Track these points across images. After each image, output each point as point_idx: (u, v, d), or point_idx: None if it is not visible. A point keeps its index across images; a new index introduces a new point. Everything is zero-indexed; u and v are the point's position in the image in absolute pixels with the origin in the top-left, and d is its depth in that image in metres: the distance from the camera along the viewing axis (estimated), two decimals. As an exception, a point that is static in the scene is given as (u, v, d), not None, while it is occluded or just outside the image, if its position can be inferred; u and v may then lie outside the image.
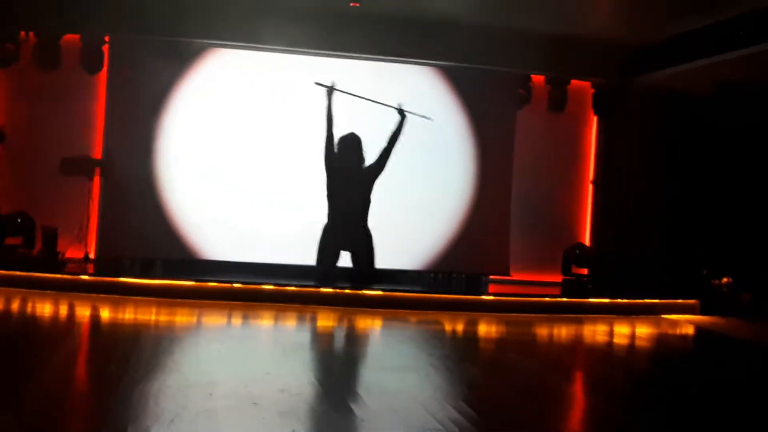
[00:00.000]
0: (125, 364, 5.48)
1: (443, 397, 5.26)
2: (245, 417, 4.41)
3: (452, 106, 10.87)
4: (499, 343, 8.16)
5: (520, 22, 10.06)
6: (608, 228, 11.30)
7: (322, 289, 9.03)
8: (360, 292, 9.10)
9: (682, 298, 10.21)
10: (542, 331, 8.67)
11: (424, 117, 9.12)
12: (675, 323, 9.59)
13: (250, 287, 8.99)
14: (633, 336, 8.77)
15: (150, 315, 7.63)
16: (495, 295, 9.88)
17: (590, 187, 11.63)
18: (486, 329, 8.66)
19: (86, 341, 6.86)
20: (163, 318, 7.60)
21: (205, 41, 10.14)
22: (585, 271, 10.96)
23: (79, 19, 9.76)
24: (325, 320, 8.27)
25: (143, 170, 10.07)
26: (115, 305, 8.12)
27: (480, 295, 9.91)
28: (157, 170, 10.19)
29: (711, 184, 10.68)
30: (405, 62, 10.59)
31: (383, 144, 8.89)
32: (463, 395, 5.38)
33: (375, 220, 9.24)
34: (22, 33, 9.99)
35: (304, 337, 7.55)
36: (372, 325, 8.25)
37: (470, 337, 8.34)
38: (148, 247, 10.06)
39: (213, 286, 8.93)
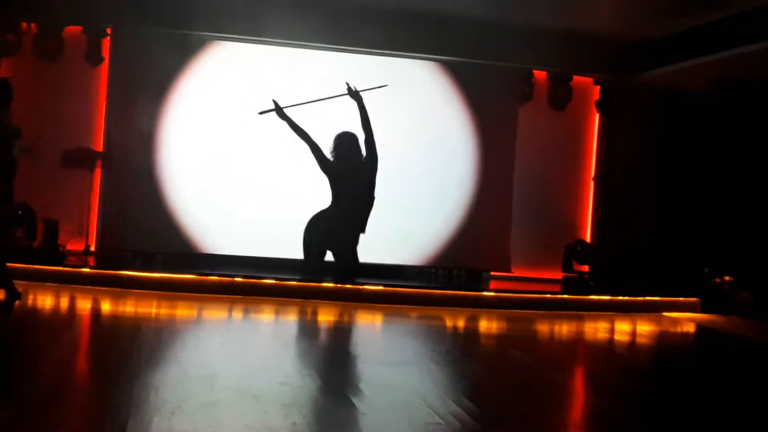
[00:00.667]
0: (126, 357, 5.47)
1: (444, 392, 5.25)
2: (246, 410, 4.40)
3: (454, 101, 10.86)
4: (500, 339, 8.16)
5: (522, 17, 10.06)
6: (609, 225, 11.30)
7: (323, 284, 9.03)
8: (361, 287, 9.10)
9: (683, 296, 10.21)
10: (543, 328, 8.66)
11: (378, 87, 9.07)
12: (676, 321, 9.59)
13: (251, 281, 8.99)
14: (634, 333, 8.76)
15: (151, 308, 7.62)
16: (496, 291, 9.87)
17: (592, 183, 11.63)
18: (487, 325, 8.65)
19: (87, 334, 6.85)
20: (164, 311, 7.59)
21: (208, 34, 10.13)
22: (586, 268, 10.96)
23: (81, 11, 9.76)
24: (326, 315, 8.27)
25: (145, 163, 10.06)
26: (116, 298, 8.12)
27: (481, 291, 9.90)
28: (159, 163, 10.18)
29: (712, 182, 10.67)
30: (407, 57, 10.57)
31: (362, 135, 8.91)
32: (464, 390, 5.37)
33: (377, 216, 9.27)
34: (24, 24, 9.98)
35: (305, 331, 7.54)
36: (373, 320, 8.24)
37: (471, 333, 8.34)
38: (149, 240, 10.06)
39: (214, 279, 8.93)
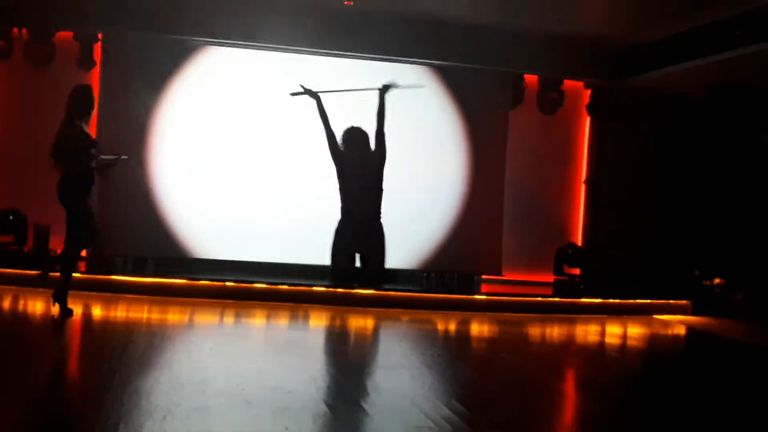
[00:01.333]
0: (117, 362, 5.47)
1: (436, 396, 5.26)
2: (238, 415, 4.41)
3: (445, 105, 10.88)
4: (492, 342, 8.17)
5: (513, 22, 10.10)
6: (600, 228, 11.33)
7: (315, 288, 9.03)
8: (353, 291, 9.11)
9: (674, 299, 10.26)
10: (534, 331, 8.69)
11: (415, 86, 9.03)
12: (667, 323, 9.63)
13: (242, 286, 8.99)
14: (625, 336, 8.79)
15: (142, 313, 7.62)
16: (487, 294, 9.90)
17: (583, 187, 11.66)
18: (478, 328, 8.67)
19: (78, 339, 6.84)
20: (156, 316, 7.59)
21: (199, 39, 10.12)
22: (577, 271, 10.99)
23: (72, 16, 9.74)
24: (318, 319, 8.28)
25: (136, 168, 10.04)
26: (108, 303, 8.11)
27: (472, 294, 9.93)
28: (150, 168, 10.17)
29: (703, 185, 10.72)
30: (398, 61, 10.58)
31: (374, 126, 8.82)
32: (455, 394, 5.39)
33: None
34: (15, 30, 9.96)
35: (297, 335, 7.55)
36: (364, 324, 8.25)
37: (462, 337, 8.36)
38: (141, 245, 10.04)
39: (205, 284, 8.93)
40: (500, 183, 11.01)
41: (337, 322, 8.15)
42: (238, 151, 10.26)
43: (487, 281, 10.96)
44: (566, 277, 10.91)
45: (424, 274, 10.99)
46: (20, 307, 7.59)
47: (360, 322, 8.29)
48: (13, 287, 8.40)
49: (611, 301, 9.99)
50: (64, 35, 10.06)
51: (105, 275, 8.92)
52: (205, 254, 10.20)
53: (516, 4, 9.51)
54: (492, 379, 6.09)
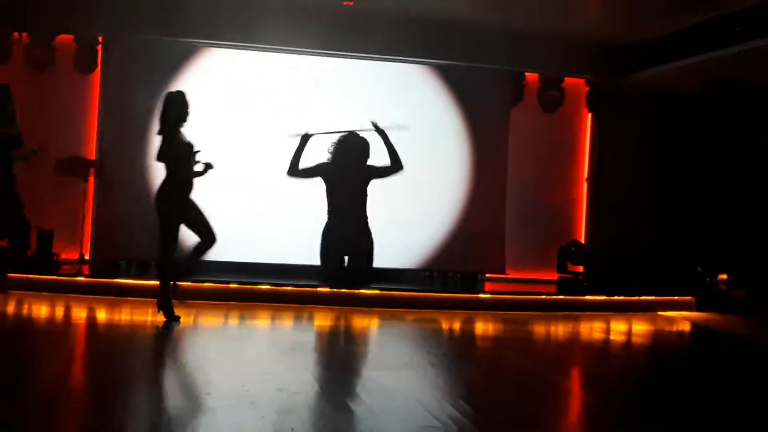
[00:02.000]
0: (122, 365, 5.46)
1: (441, 395, 5.26)
2: (243, 416, 4.40)
3: (446, 104, 10.88)
4: (496, 341, 8.16)
5: (513, 20, 10.09)
6: (603, 225, 11.32)
7: (319, 289, 9.04)
8: (356, 291, 9.11)
9: (678, 295, 10.24)
10: (539, 329, 8.68)
11: (399, 126, 9.14)
12: (671, 320, 9.61)
13: (246, 287, 8.98)
14: (629, 333, 8.78)
15: (146, 316, 7.61)
16: (491, 293, 9.89)
17: (585, 184, 11.65)
18: (483, 327, 8.66)
19: (83, 342, 6.84)
20: (160, 319, 7.56)
21: (199, 41, 10.13)
22: (580, 268, 10.98)
23: (73, 19, 9.75)
24: (322, 320, 8.27)
25: (138, 170, 10.04)
26: (111, 306, 8.11)
27: (476, 293, 9.92)
28: (152, 170, 10.14)
29: (705, 181, 10.70)
30: (399, 60, 10.59)
31: (387, 163, 9.07)
32: (461, 393, 5.38)
33: (371, 220, 9.27)
34: (15, 33, 9.96)
35: (302, 336, 7.54)
36: (369, 324, 8.24)
37: (467, 336, 8.35)
38: (144, 248, 10.00)
39: (209, 286, 8.92)
40: (502, 181, 11.01)
41: (342, 323, 8.14)
42: (241, 153, 10.25)
43: (490, 280, 10.96)
44: (570, 275, 10.89)
45: (428, 274, 10.99)
46: (24, 311, 7.58)
47: (364, 323, 8.28)
48: (17, 292, 8.40)
49: (615, 298, 9.99)
50: (65, 38, 10.06)
51: (109, 278, 8.91)
52: (209, 256, 10.17)
53: (516, 2, 9.51)
54: (498, 378, 6.08)
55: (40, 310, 7.77)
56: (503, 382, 5.92)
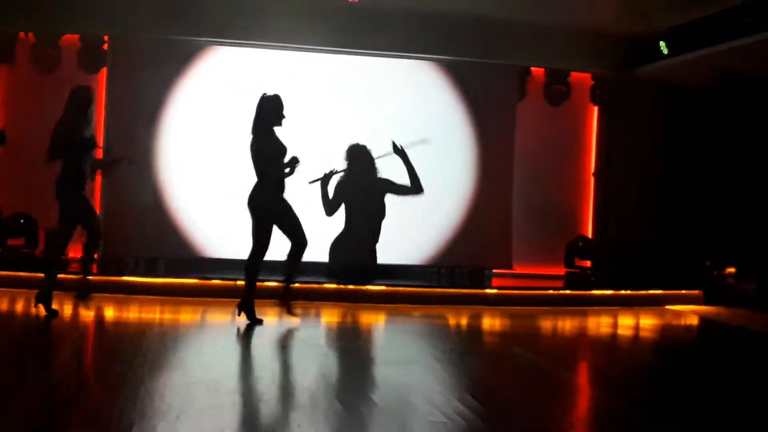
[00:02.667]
0: (131, 362, 5.48)
1: (448, 391, 5.27)
2: (251, 413, 4.42)
3: (452, 100, 10.87)
4: (503, 336, 8.16)
5: (519, 14, 10.08)
6: (611, 220, 11.30)
7: (326, 285, 9.05)
8: (363, 287, 9.12)
9: (686, 289, 10.22)
10: (546, 324, 8.67)
11: (421, 142, 9.19)
12: (679, 314, 9.60)
13: (253, 284, 8.98)
14: (637, 327, 8.77)
15: (154, 313, 7.64)
16: (498, 288, 9.88)
17: (592, 178, 11.63)
18: (490, 323, 8.66)
19: (91, 340, 6.87)
20: (168, 316, 7.60)
21: (205, 39, 10.14)
22: (588, 263, 10.97)
23: (79, 19, 9.76)
24: (330, 316, 8.28)
25: (145, 169, 10.06)
26: (120, 304, 8.14)
27: (483, 288, 9.92)
28: (159, 169, 10.19)
29: (713, 174, 10.66)
30: (405, 57, 10.58)
31: (406, 182, 9.34)
32: (468, 388, 5.38)
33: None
34: (21, 33, 9.99)
35: (309, 332, 7.55)
36: (376, 320, 8.25)
37: (474, 331, 8.35)
38: (152, 246, 10.07)
39: (217, 283, 8.94)
40: (509, 177, 10.99)
41: (349, 319, 8.15)
42: (248, 150, 10.23)
43: (497, 275, 10.95)
44: (577, 270, 10.88)
45: (435, 270, 10.98)
46: (33, 310, 7.60)
47: (371, 318, 8.29)
48: (26, 290, 8.42)
49: (623, 292, 9.97)
50: (71, 38, 10.08)
51: (117, 276, 8.94)
52: (216, 253, 10.22)
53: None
54: (505, 373, 6.08)
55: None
56: (510, 377, 5.93)
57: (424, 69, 10.79)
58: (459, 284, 10.50)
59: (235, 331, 7.06)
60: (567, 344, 7.91)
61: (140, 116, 10.07)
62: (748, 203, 10.56)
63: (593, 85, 11.42)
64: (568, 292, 10.02)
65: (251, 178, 10.14)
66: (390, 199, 9.71)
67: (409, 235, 10.42)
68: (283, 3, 9.79)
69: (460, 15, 10.08)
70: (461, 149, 10.87)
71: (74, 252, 9.80)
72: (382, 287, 9.18)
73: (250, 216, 7.27)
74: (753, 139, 10.49)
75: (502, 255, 10.95)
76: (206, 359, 6.05)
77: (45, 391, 4.72)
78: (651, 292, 10.06)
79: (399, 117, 10.36)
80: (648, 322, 8.98)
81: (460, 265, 10.95)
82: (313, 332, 7.70)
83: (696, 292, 10.22)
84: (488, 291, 9.77)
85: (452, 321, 8.56)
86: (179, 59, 10.18)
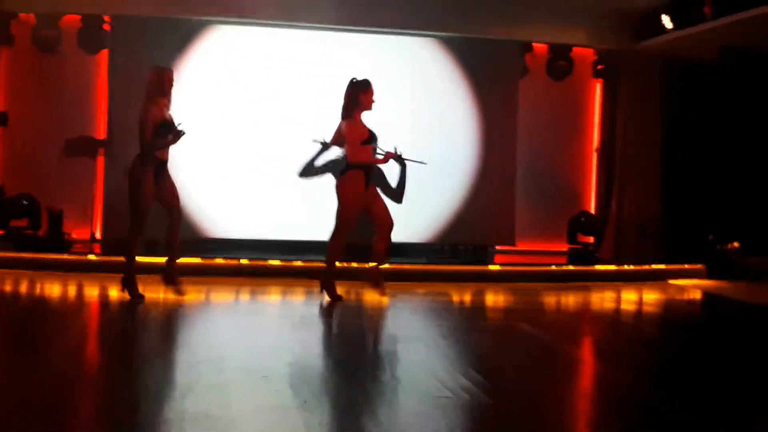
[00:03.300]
0: (136, 342, 5.51)
1: (453, 366, 5.29)
2: (256, 390, 4.44)
3: (454, 77, 10.82)
4: (507, 312, 8.18)
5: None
6: (613, 195, 11.28)
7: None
8: (367, 265, 9.11)
9: (689, 263, 10.23)
10: (549, 300, 8.69)
11: (420, 162, 9.05)
12: (682, 288, 9.61)
13: (257, 263, 9.02)
14: (640, 302, 8.79)
15: (158, 293, 7.65)
16: (501, 265, 9.90)
17: (595, 154, 11.61)
18: (493, 299, 8.68)
19: (96, 320, 6.90)
20: (172, 296, 7.61)
21: (207, 18, 10.08)
22: (591, 239, 10.98)
23: (79, 0, 9.72)
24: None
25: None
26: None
27: (486, 265, 9.93)
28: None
29: (716, 149, 10.63)
30: (406, 34, 10.53)
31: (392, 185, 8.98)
32: (472, 364, 5.40)
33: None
34: (22, 14, 9.95)
35: (313, 310, 7.57)
36: (380, 298, 8.26)
37: (478, 307, 8.37)
38: (154, 226, 10.03)
39: (220, 262, 8.96)
40: (512, 153, 10.96)
41: (353, 297, 8.17)
42: (251, 131, 10.24)
43: (500, 252, 10.97)
44: (580, 246, 10.89)
45: (438, 247, 10.99)
46: (37, 290, 7.64)
47: (375, 296, 8.30)
48: (29, 271, 8.46)
49: (625, 267, 9.98)
50: (71, 18, 10.04)
51: (120, 257, 8.93)
52: (219, 233, 10.23)
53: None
54: (509, 349, 6.11)
55: (53, 289, 7.82)
56: (514, 353, 5.95)
57: (426, 46, 10.74)
58: (462, 261, 10.50)
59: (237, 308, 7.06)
60: (570, 320, 7.93)
61: (142, 96, 10.00)
62: (752, 177, 10.55)
63: (596, 60, 11.36)
64: (571, 267, 10.04)
65: (255, 159, 10.18)
66: (393, 177, 9.66)
67: (412, 212, 10.40)
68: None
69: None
70: (464, 126, 10.84)
71: (77, 233, 9.84)
72: (386, 265, 9.18)
73: (336, 201, 7.40)
74: (756, 112, 10.45)
75: (505, 232, 10.95)
76: (211, 338, 6.08)
77: (50, 371, 4.74)
78: (654, 266, 10.07)
79: (401, 95, 10.32)
80: (651, 296, 9.00)
81: (464, 242, 10.95)
82: (317, 310, 7.72)
83: (699, 266, 10.23)
84: (491, 267, 9.79)
85: (456, 298, 8.58)
86: (181, 38, 10.13)
